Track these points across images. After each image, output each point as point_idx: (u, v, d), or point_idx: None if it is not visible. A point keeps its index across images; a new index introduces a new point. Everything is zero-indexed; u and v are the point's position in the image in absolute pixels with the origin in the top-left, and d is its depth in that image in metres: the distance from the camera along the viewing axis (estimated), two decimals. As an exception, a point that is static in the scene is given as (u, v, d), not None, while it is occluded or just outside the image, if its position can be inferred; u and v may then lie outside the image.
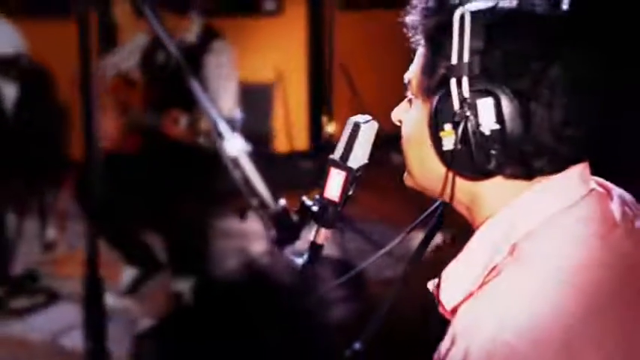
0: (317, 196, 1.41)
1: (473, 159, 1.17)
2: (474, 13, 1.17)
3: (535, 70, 1.16)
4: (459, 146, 1.18)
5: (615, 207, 1.25)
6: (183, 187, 4.01)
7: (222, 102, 4.12)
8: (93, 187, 2.68)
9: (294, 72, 6.33)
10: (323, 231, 1.44)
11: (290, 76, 6.12)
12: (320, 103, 6.00)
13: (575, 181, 1.23)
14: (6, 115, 4.58)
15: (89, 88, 2.51)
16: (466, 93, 1.16)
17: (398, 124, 1.33)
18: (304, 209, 1.42)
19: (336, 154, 1.39)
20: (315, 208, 1.41)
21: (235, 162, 1.77)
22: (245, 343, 1.12)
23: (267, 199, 1.65)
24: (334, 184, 1.39)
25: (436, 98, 1.21)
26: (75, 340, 3.47)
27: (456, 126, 1.18)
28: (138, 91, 4.31)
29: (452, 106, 1.18)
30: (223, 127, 1.82)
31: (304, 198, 1.42)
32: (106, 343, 2.90)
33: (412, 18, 1.27)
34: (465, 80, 1.16)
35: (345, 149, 1.38)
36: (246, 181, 1.72)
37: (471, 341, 1.11)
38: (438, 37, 1.22)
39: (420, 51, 1.27)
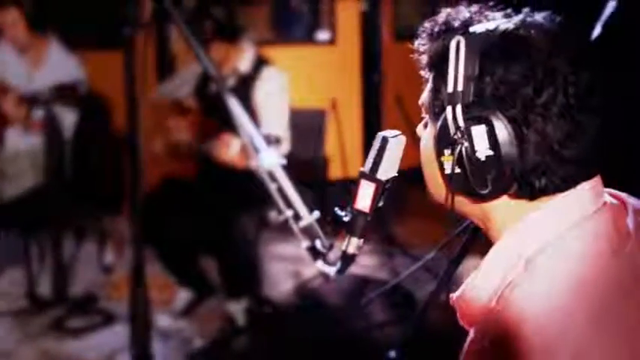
0: (348, 208, 1.47)
1: (472, 183, 1.22)
2: (469, 40, 1.21)
3: (525, 96, 1.18)
4: (457, 170, 1.23)
5: (629, 218, 1.28)
6: (236, 212, 4.07)
7: (276, 127, 4.21)
8: (137, 212, 2.74)
9: (348, 100, 6.40)
10: (354, 240, 1.50)
11: (344, 104, 6.19)
12: (374, 131, 6.04)
13: (586, 197, 1.25)
14: (64, 142, 4.69)
15: (135, 114, 2.60)
16: (460, 121, 1.20)
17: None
18: (336, 220, 1.48)
19: (366, 167, 1.45)
20: (346, 219, 1.48)
21: (271, 175, 1.84)
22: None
23: (301, 210, 1.72)
24: (364, 196, 1.45)
25: (438, 124, 1.26)
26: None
27: (452, 150, 1.22)
28: (192, 117, 4.39)
29: (449, 132, 1.23)
30: (259, 141, 1.89)
31: (336, 209, 1.48)
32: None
33: (420, 43, 1.33)
34: (458, 108, 1.20)
35: (374, 162, 1.44)
36: (282, 193, 1.79)
37: (488, 340, 1.17)
38: (439, 63, 1.27)
39: (429, 76, 1.32)
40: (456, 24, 1.29)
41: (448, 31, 1.28)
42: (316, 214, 1.69)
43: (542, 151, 1.19)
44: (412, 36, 1.35)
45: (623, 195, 1.34)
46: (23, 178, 4.72)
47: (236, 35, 4.36)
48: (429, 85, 1.32)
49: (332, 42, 6.68)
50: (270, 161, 1.86)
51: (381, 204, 1.46)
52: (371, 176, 1.45)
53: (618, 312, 1.17)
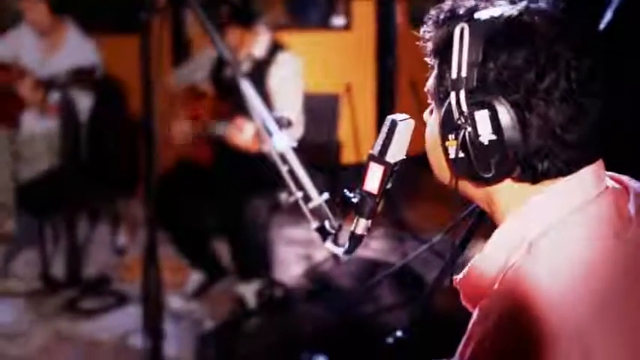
0: (357, 189, 1.49)
1: (476, 167, 1.24)
2: (473, 27, 1.23)
3: (528, 81, 1.20)
4: (461, 155, 1.25)
5: (631, 202, 1.30)
6: (249, 195, 4.10)
7: (290, 111, 4.23)
8: (151, 195, 2.77)
9: (362, 85, 6.41)
10: (362, 221, 1.51)
11: (358, 89, 6.21)
12: (387, 115, 6.07)
13: (588, 181, 1.27)
14: (80, 125, 4.73)
15: (150, 97, 2.63)
16: (464, 106, 1.23)
17: None
18: (345, 201, 1.50)
19: (375, 150, 1.46)
20: (355, 200, 1.50)
21: (283, 157, 1.87)
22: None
23: (311, 192, 1.75)
24: (373, 178, 1.47)
25: (443, 109, 1.28)
26: (139, 341, 3.59)
27: (456, 135, 1.25)
28: (207, 102, 4.42)
29: (453, 117, 1.25)
30: (271, 124, 1.92)
31: (345, 190, 1.51)
32: (164, 342, 2.99)
33: (425, 29, 1.35)
34: (462, 93, 1.23)
35: (383, 145, 1.46)
36: (293, 175, 1.82)
37: (491, 320, 1.19)
38: (444, 50, 1.29)
39: (434, 62, 1.35)
40: (461, 11, 1.30)
41: (453, 18, 1.30)
42: (325, 195, 1.72)
43: (544, 135, 1.21)
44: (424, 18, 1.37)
45: (625, 179, 1.36)
46: (39, 161, 4.77)
47: (252, 20, 4.38)
48: (434, 72, 1.34)
49: (347, 27, 6.70)
50: (282, 144, 1.88)
51: (389, 186, 1.48)
52: (380, 159, 1.46)
53: (621, 294, 1.19)
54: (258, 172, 3.68)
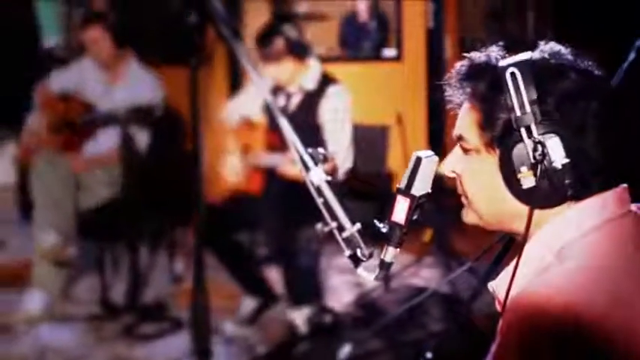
0: (386, 220, 1.62)
1: (552, 192, 1.38)
2: (520, 69, 1.39)
3: (582, 108, 1.37)
4: (539, 182, 1.39)
5: None
6: (300, 224, 4.20)
7: (339, 143, 4.35)
8: (200, 224, 2.91)
9: (413, 116, 6.50)
10: (391, 250, 1.64)
11: (409, 119, 6.30)
12: (438, 145, 6.17)
13: (613, 201, 1.42)
14: (138, 158, 4.89)
15: (197, 131, 2.76)
16: (537, 137, 1.37)
17: (451, 175, 1.55)
18: (375, 231, 1.62)
19: (402, 184, 1.59)
20: (384, 230, 1.62)
21: (319, 190, 2.00)
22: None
23: (344, 222, 1.87)
24: (400, 209, 1.60)
25: (504, 146, 1.42)
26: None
27: (533, 166, 1.38)
28: (259, 133, 4.55)
29: (524, 150, 1.39)
30: (307, 159, 2.05)
31: (375, 221, 1.63)
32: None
33: (454, 81, 1.50)
34: (533, 126, 1.37)
35: (409, 179, 1.59)
36: (328, 206, 1.94)
37: (516, 317, 1.31)
38: (492, 94, 1.43)
39: (468, 109, 1.49)
40: (490, 61, 1.47)
41: (486, 67, 1.45)
42: (358, 225, 1.84)
43: (598, 155, 1.38)
44: (476, 50, 1.51)
45: None
46: (99, 190, 4.93)
47: (305, 52, 4.51)
48: (473, 117, 1.48)
49: (398, 58, 6.80)
50: (317, 177, 2.01)
51: (415, 217, 1.60)
52: (406, 192, 1.59)
53: (635, 301, 1.30)
54: (309, 201, 3.80)
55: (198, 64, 2.68)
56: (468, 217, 1.57)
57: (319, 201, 1.97)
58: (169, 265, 5.30)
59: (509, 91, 1.39)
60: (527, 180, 1.40)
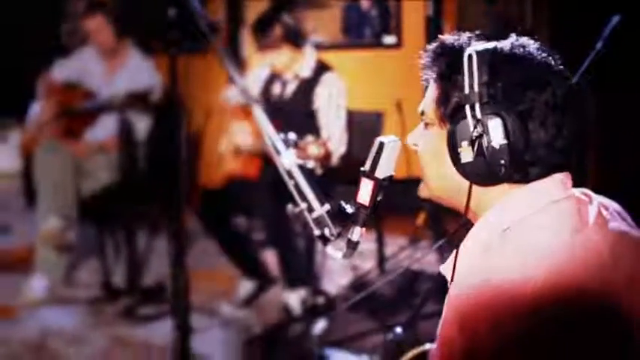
0: (352, 201, 1.71)
1: (488, 169, 1.48)
2: (479, 54, 1.48)
3: (530, 97, 1.47)
4: (475, 159, 1.49)
5: (592, 211, 1.52)
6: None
7: (333, 129, 4.43)
8: (176, 206, 3.00)
9: (412, 102, 6.53)
10: (357, 229, 1.73)
11: (408, 105, 6.35)
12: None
13: (558, 185, 1.52)
14: (137, 143, 4.99)
15: (180, 117, 2.84)
16: (479, 115, 1.47)
17: (414, 147, 1.66)
18: (342, 212, 1.72)
19: (366, 167, 1.69)
20: (350, 211, 1.72)
21: (289, 173, 2.10)
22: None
23: (314, 204, 1.97)
24: (365, 191, 1.69)
25: (453, 122, 1.52)
26: (193, 346, 3.79)
27: (472, 143, 1.48)
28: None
29: (467, 127, 1.49)
30: (279, 144, 2.14)
31: (341, 202, 1.73)
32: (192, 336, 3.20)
33: (425, 60, 1.60)
34: (477, 105, 1.47)
35: (372, 163, 1.69)
36: (298, 189, 2.04)
37: (460, 296, 1.40)
38: (450, 73, 1.54)
39: (432, 86, 1.59)
40: (457, 44, 1.56)
41: (453, 49, 1.54)
42: (327, 206, 1.93)
43: (540, 141, 1.47)
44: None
45: (593, 194, 1.59)
46: (99, 176, 5.03)
47: (302, 40, 4.59)
48: (434, 94, 1.58)
49: (398, 45, 6.86)
50: (288, 161, 2.11)
51: (379, 198, 1.69)
52: (370, 175, 1.69)
53: (571, 278, 1.38)
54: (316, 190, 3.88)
55: (178, 53, 2.76)
56: (422, 190, 1.67)
57: (290, 183, 2.07)
58: (169, 247, 5.37)
59: (463, 70, 1.49)
60: (466, 155, 1.50)
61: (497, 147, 1.46)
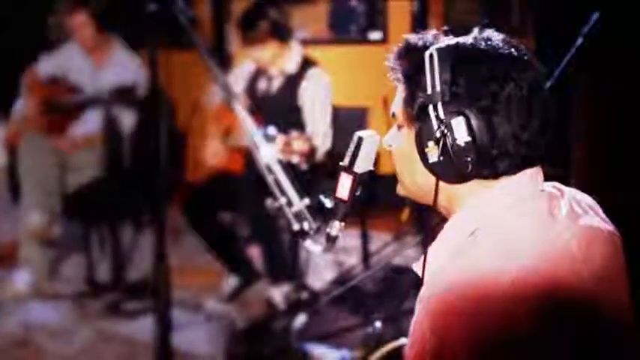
0: (331, 196, 1.72)
1: (455, 167, 1.48)
2: (440, 52, 1.48)
3: (493, 91, 1.46)
4: (442, 158, 1.49)
5: (563, 206, 1.53)
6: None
7: (318, 125, 4.44)
8: (161, 201, 3.01)
9: (398, 98, 6.55)
10: (336, 224, 1.74)
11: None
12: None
13: (528, 181, 1.52)
14: (123, 138, 4.99)
15: (160, 111, 2.85)
16: (442, 115, 1.47)
17: (389, 148, 1.66)
18: (321, 206, 1.73)
19: (345, 162, 1.70)
20: (329, 206, 1.72)
21: (269, 168, 2.10)
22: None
23: (293, 198, 1.97)
24: (344, 186, 1.70)
25: (419, 122, 1.52)
26: (177, 340, 3.79)
27: (437, 142, 1.48)
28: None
29: (432, 127, 1.49)
30: (258, 139, 2.14)
31: (321, 197, 1.73)
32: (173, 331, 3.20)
33: (391, 61, 1.60)
34: (439, 105, 1.47)
35: (351, 158, 1.69)
36: (278, 183, 2.05)
37: (428, 298, 1.41)
38: (413, 73, 1.54)
39: (400, 87, 1.59)
40: (423, 43, 1.56)
41: (417, 48, 1.55)
42: (306, 201, 1.94)
43: (507, 135, 1.47)
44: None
45: (566, 188, 1.61)
46: (84, 171, 5.03)
47: (288, 36, 4.58)
48: (402, 95, 1.58)
49: (384, 41, 6.87)
50: (268, 156, 2.11)
51: (358, 193, 1.70)
52: (349, 169, 1.69)
53: (543, 275, 1.40)
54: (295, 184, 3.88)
55: (156, 47, 2.76)
56: (399, 189, 1.67)
57: (270, 178, 2.07)
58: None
59: (425, 70, 1.49)
60: (433, 154, 1.50)
61: (462, 145, 1.46)
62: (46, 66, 5.20)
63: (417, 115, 1.53)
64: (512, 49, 1.53)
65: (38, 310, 4.64)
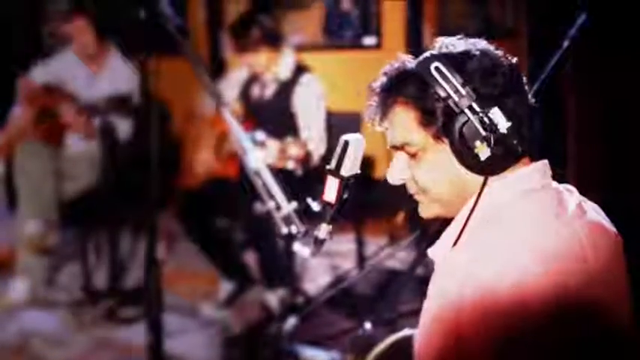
0: (318, 199, 1.74)
1: (504, 154, 1.52)
2: (441, 61, 1.54)
3: (502, 79, 1.53)
4: (495, 150, 1.52)
5: (573, 201, 1.57)
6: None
7: (312, 130, 4.45)
8: (152, 206, 3.03)
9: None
10: (324, 227, 1.75)
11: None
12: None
13: (538, 173, 1.57)
14: (119, 146, 4.99)
15: (150, 119, 2.87)
16: (479, 110, 1.51)
17: (403, 181, 1.67)
18: (308, 209, 1.75)
19: (332, 165, 1.72)
20: (316, 209, 1.74)
21: (257, 172, 2.12)
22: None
23: (281, 202, 1.99)
24: (331, 189, 1.72)
25: (451, 132, 1.54)
26: (173, 346, 3.81)
27: (486, 138, 1.51)
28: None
29: (472, 127, 1.52)
30: (247, 144, 2.16)
31: (309, 200, 1.75)
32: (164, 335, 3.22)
33: (379, 94, 1.63)
34: (474, 104, 1.51)
35: (337, 161, 1.71)
36: (266, 187, 2.06)
37: (445, 295, 1.44)
38: (421, 93, 1.56)
39: (401, 115, 1.60)
40: (409, 68, 1.61)
41: (409, 71, 1.60)
42: (293, 204, 1.96)
43: (523, 117, 1.54)
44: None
45: (574, 189, 1.64)
46: (81, 179, 5.06)
47: (280, 42, 4.60)
48: (411, 119, 1.59)
49: (378, 46, 6.89)
50: (256, 161, 2.13)
51: (345, 196, 1.71)
52: (335, 173, 1.71)
53: (555, 260, 1.44)
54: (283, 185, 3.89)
55: (147, 57, 2.78)
56: (429, 210, 1.67)
57: (258, 183, 2.09)
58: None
59: (439, 83, 1.51)
60: (484, 152, 1.52)
61: (506, 131, 1.50)
62: (42, 73, 5.21)
63: (444, 126, 1.55)
64: (479, 43, 1.60)
65: (35, 317, 4.65)
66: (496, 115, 1.50)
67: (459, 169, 1.56)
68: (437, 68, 1.51)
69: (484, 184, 1.54)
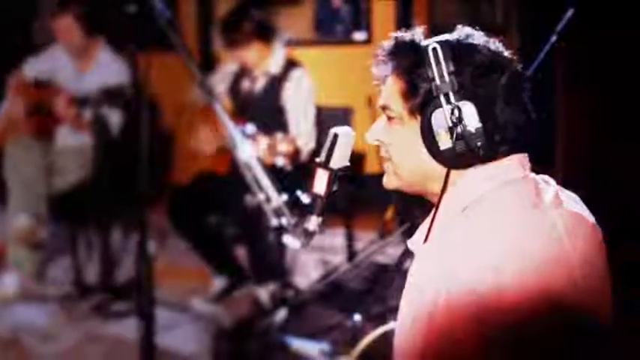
0: (308, 192, 1.75)
1: (465, 153, 1.53)
2: (441, 45, 1.55)
3: (494, 80, 1.54)
4: (455, 144, 1.54)
5: (550, 191, 1.59)
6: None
7: (302, 125, 4.46)
8: (141, 201, 3.04)
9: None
10: (314, 219, 1.77)
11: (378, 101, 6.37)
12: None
13: (517, 165, 1.58)
14: (111, 140, 4.99)
15: (141, 112, 2.87)
16: (453, 101, 1.53)
17: (375, 142, 1.69)
18: (298, 202, 1.76)
19: (321, 158, 1.73)
20: (306, 201, 1.76)
21: (247, 165, 2.13)
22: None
23: (272, 194, 2.00)
24: (320, 182, 1.74)
25: (425, 112, 1.57)
26: (166, 341, 3.83)
27: (449, 129, 1.53)
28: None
29: (442, 115, 1.54)
30: (238, 137, 2.17)
31: (299, 193, 1.77)
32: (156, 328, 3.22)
33: (382, 56, 1.64)
34: (451, 94, 1.52)
35: (327, 154, 1.73)
36: (256, 180, 2.08)
37: (421, 288, 1.46)
38: (413, 67, 1.58)
39: (392, 81, 1.63)
40: (413, 39, 1.64)
41: (410, 44, 1.60)
42: (284, 197, 1.97)
43: (507, 122, 1.54)
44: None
45: (552, 180, 1.66)
46: (71, 173, 5.05)
47: (272, 37, 4.61)
48: (397, 88, 1.62)
49: (368, 42, 6.90)
50: (246, 154, 2.15)
51: (335, 189, 1.73)
52: (325, 165, 1.73)
53: (533, 253, 1.45)
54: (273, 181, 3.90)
55: (137, 50, 2.79)
56: (390, 181, 1.70)
57: (248, 175, 2.11)
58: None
59: (430, 64, 1.53)
60: (445, 142, 1.55)
61: (473, 131, 1.52)
62: (32, 68, 5.20)
63: (422, 105, 1.57)
64: (496, 43, 1.61)
65: (26, 312, 4.66)
66: (467, 112, 1.52)
67: (425, 153, 1.58)
68: (434, 50, 1.54)
69: (447, 176, 1.57)
